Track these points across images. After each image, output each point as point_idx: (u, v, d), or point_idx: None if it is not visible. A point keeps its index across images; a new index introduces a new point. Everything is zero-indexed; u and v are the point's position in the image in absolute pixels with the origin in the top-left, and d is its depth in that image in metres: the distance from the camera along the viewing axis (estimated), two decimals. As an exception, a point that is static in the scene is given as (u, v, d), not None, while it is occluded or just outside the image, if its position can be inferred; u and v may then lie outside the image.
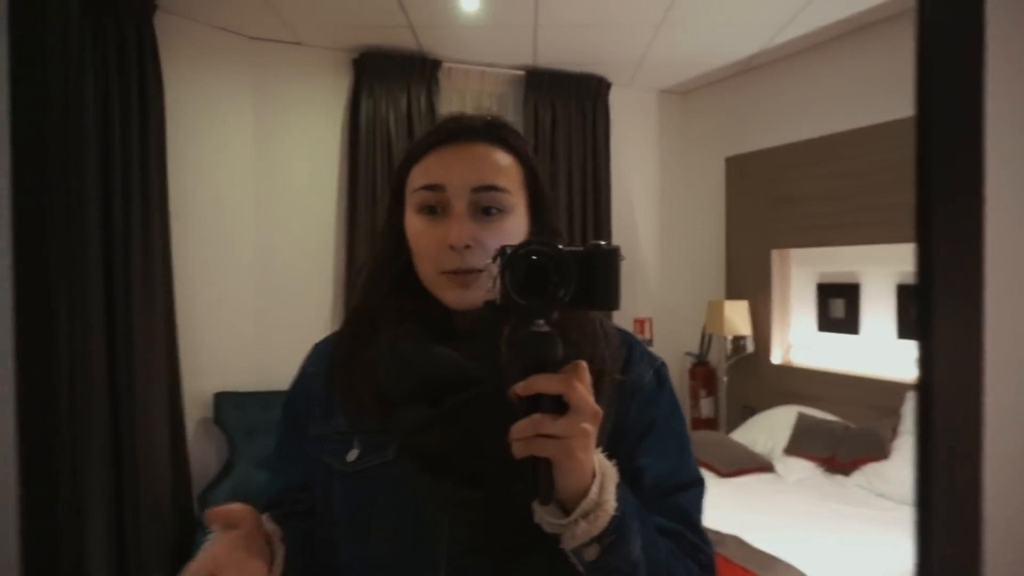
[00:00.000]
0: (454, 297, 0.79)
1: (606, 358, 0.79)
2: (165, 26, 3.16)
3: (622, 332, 0.86)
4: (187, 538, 3.19)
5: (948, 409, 0.42)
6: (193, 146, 3.40)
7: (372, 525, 0.80)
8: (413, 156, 0.83)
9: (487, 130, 0.82)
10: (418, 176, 0.81)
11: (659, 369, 0.86)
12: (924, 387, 0.41)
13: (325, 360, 0.88)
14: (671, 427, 0.83)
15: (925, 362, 0.42)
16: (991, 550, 0.44)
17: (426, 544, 0.77)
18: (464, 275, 0.78)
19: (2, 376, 0.71)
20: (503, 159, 0.81)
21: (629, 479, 0.71)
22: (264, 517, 0.78)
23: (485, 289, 0.78)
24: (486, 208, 0.79)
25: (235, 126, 3.60)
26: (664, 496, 0.79)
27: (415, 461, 0.76)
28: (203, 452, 3.44)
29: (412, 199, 0.81)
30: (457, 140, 0.81)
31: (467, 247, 0.77)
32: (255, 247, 3.64)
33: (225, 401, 3.39)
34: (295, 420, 0.89)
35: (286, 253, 3.69)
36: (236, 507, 0.73)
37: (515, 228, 0.81)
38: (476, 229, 0.78)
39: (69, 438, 0.73)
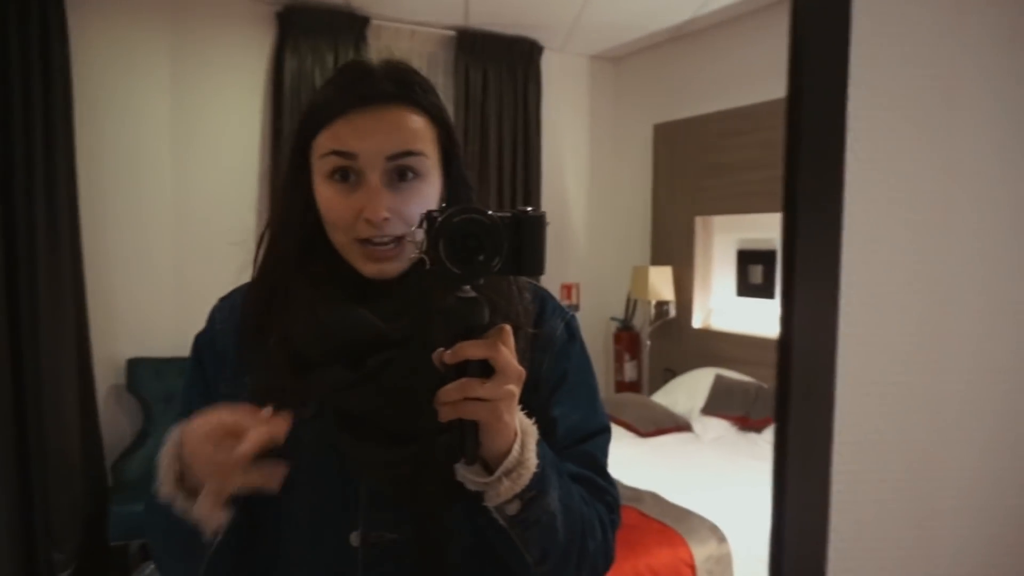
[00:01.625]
0: (371, 270, 0.78)
1: (520, 313, 0.81)
2: (69, -33, 2.96)
3: (534, 287, 0.88)
4: (100, 509, 3.06)
5: (806, 360, 0.45)
6: (104, 98, 3.22)
7: (288, 482, 0.79)
8: (319, 119, 0.79)
9: (398, 91, 0.78)
10: (327, 141, 0.77)
11: (570, 322, 0.88)
12: (785, 342, 0.43)
13: (235, 314, 0.86)
14: (582, 378, 0.87)
15: (787, 320, 0.45)
16: (837, 473, 0.48)
17: (344, 502, 0.78)
18: (381, 248, 0.76)
19: None
20: (417, 122, 0.79)
21: (543, 430, 0.73)
22: None
23: (402, 260, 0.78)
24: (402, 173, 0.77)
25: (150, 77, 3.41)
26: (575, 444, 0.82)
27: (335, 421, 0.76)
28: (116, 421, 3.32)
29: (321, 164, 0.78)
30: (367, 104, 0.77)
31: (384, 219, 0.75)
32: (172, 205, 3.49)
33: (140, 367, 3.27)
34: (203, 378, 0.87)
35: (206, 212, 3.54)
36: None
37: (431, 190, 0.80)
38: (392, 198, 0.76)
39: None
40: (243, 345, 0.83)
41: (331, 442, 0.77)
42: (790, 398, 0.43)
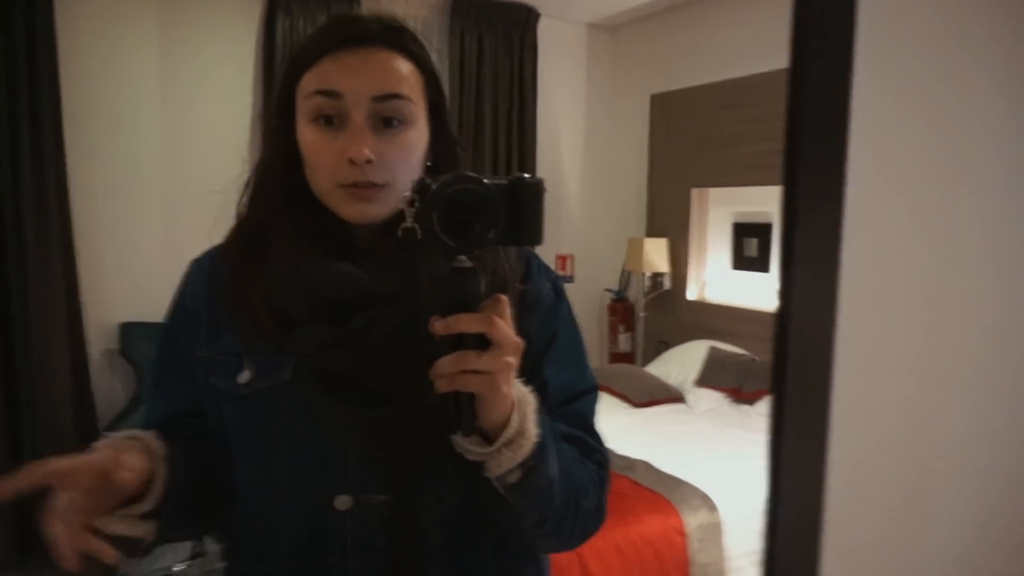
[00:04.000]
0: (353, 212, 0.76)
1: (508, 272, 0.80)
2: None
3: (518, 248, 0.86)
4: (95, 473, 3.08)
5: (804, 336, 0.45)
6: (92, 64, 3.16)
7: (269, 447, 0.78)
8: (305, 59, 0.77)
9: (387, 35, 0.77)
10: (312, 81, 0.76)
11: (555, 282, 0.87)
12: (783, 316, 0.42)
13: (206, 277, 0.84)
14: (570, 339, 0.86)
15: (786, 293, 0.44)
16: (834, 448, 0.48)
17: (328, 465, 0.77)
18: (364, 189, 0.75)
19: None
20: (404, 66, 0.77)
21: (534, 390, 0.72)
22: (148, 434, 0.75)
23: (385, 204, 0.76)
24: (387, 119, 0.75)
25: (139, 41, 3.33)
26: (564, 403, 0.82)
27: (318, 381, 0.74)
28: (109, 385, 3.32)
29: (305, 105, 0.76)
30: (355, 44, 0.75)
31: (368, 162, 0.73)
32: (163, 169, 3.44)
33: (133, 331, 3.26)
34: (177, 343, 0.85)
35: (196, 175, 3.49)
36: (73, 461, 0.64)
37: (417, 140, 0.78)
38: (376, 142, 0.74)
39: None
40: (218, 300, 0.81)
41: (312, 404, 0.75)
42: (787, 365, 0.42)
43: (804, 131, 0.42)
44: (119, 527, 0.68)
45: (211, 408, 0.82)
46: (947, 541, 0.55)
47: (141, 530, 0.70)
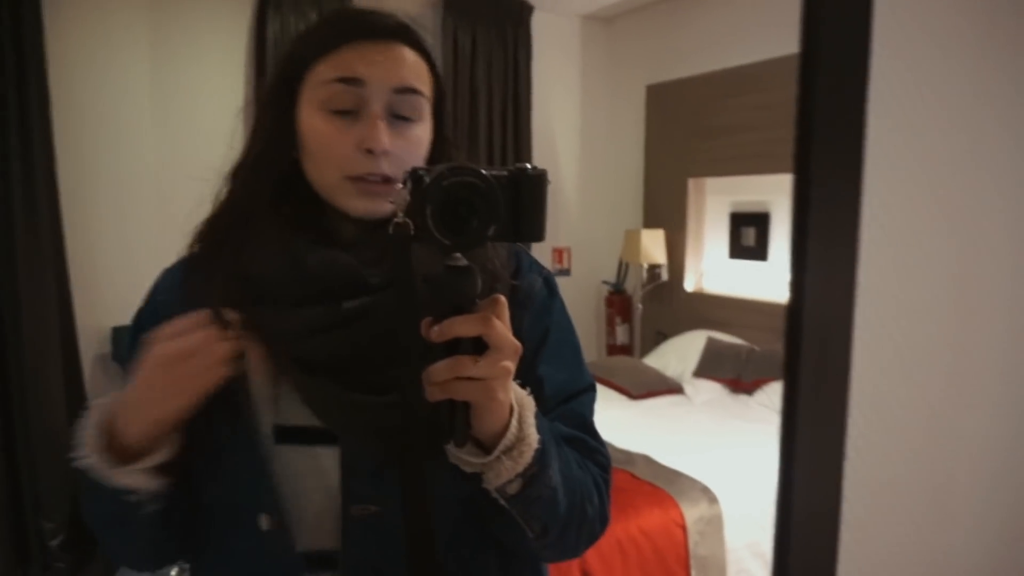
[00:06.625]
0: (360, 206, 0.74)
1: (498, 267, 0.77)
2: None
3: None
4: (91, 476, 3.07)
5: (820, 335, 0.43)
6: (81, 61, 3.12)
7: (210, 466, 0.75)
8: (318, 48, 0.75)
9: (403, 31, 0.76)
10: (329, 68, 0.73)
11: (548, 278, 0.85)
12: (795, 311, 0.40)
13: (178, 287, 0.80)
14: (565, 336, 0.84)
15: (798, 285, 0.42)
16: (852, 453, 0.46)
17: (251, 480, 0.73)
18: (374, 184, 0.73)
19: None
20: (419, 63, 0.77)
21: (530, 392, 0.69)
22: None
23: (389, 203, 0.73)
24: (399, 113, 0.74)
25: (128, 37, 3.29)
26: (562, 403, 0.79)
27: (303, 370, 0.71)
28: (102, 389, 3.28)
29: (318, 93, 0.74)
30: (376, 36, 0.74)
31: (385, 152, 0.72)
32: (154, 169, 3.40)
33: (125, 335, 3.22)
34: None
35: (187, 179, 3.44)
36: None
37: (424, 137, 0.77)
38: (391, 135, 0.73)
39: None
40: (191, 305, 0.75)
41: (309, 391, 0.71)
42: (801, 362, 0.40)
43: (819, 116, 0.40)
44: (129, 479, 0.67)
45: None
46: (968, 542, 0.53)
47: (152, 483, 0.68)
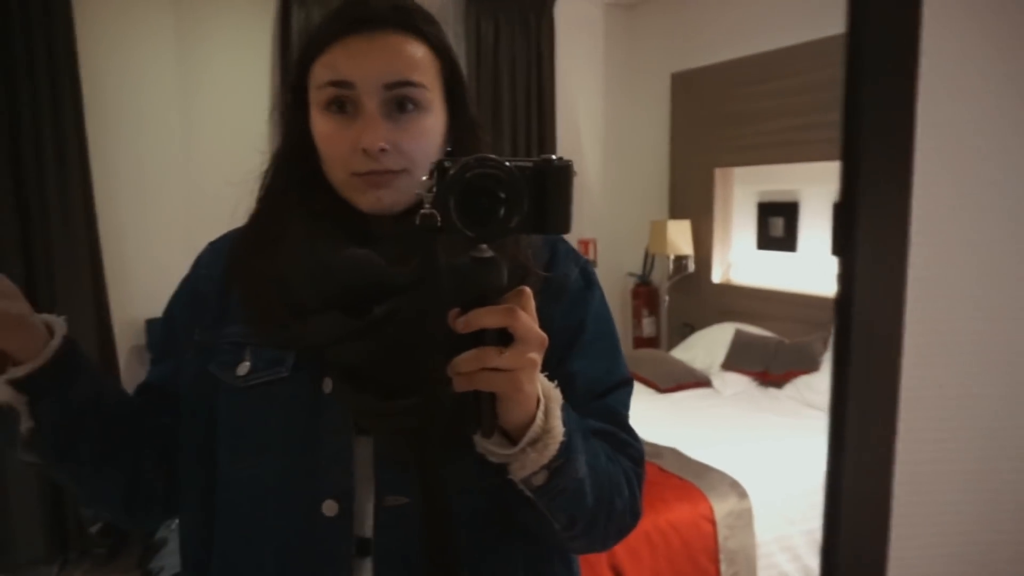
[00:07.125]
0: (368, 200, 0.74)
1: (528, 258, 0.76)
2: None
3: None
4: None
5: (869, 328, 0.41)
6: (109, 58, 3.16)
7: (259, 444, 0.76)
8: (314, 48, 0.74)
9: (397, 16, 0.74)
10: (322, 71, 0.73)
11: (585, 267, 0.83)
12: (844, 303, 0.39)
13: (221, 260, 0.82)
14: (602, 329, 0.82)
15: (846, 277, 0.40)
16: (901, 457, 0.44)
17: (319, 468, 0.73)
18: (379, 176, 0.72)
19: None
20: (417, 50, 0.74)
21: (560, 384, 0.68)
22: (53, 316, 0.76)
23: (402, 192, 0.73)
24: (401, 104, 0.73)
25: (155, 35, 3.33)
26: (596, 398, 0.78)
27: (332, 374, 0.72)
28: (137, 380, 3.34)
29: (317, 96, 0.74)
30: (364, 29, 0.72)
31: (381, 150, 0.71)
32: (183, 164, 3.45)
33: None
34: (176, 322, 0.84)
35: (216, 170, 3.50)
36: None
37: (433, 126, 0.75)
38: (390, 130, 0.72)
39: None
40: (229, 286, 0.79)
41: (312, 399, 0.73)
42: (850, 356, 0.39)
43: (866, 99, 0.38)
44: None
45: (202, 397, 0.79)
46: (1019, 536, 0.51)
47: (12, 398, 0.68)
